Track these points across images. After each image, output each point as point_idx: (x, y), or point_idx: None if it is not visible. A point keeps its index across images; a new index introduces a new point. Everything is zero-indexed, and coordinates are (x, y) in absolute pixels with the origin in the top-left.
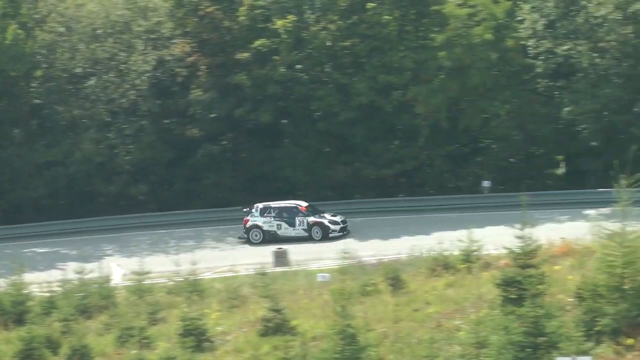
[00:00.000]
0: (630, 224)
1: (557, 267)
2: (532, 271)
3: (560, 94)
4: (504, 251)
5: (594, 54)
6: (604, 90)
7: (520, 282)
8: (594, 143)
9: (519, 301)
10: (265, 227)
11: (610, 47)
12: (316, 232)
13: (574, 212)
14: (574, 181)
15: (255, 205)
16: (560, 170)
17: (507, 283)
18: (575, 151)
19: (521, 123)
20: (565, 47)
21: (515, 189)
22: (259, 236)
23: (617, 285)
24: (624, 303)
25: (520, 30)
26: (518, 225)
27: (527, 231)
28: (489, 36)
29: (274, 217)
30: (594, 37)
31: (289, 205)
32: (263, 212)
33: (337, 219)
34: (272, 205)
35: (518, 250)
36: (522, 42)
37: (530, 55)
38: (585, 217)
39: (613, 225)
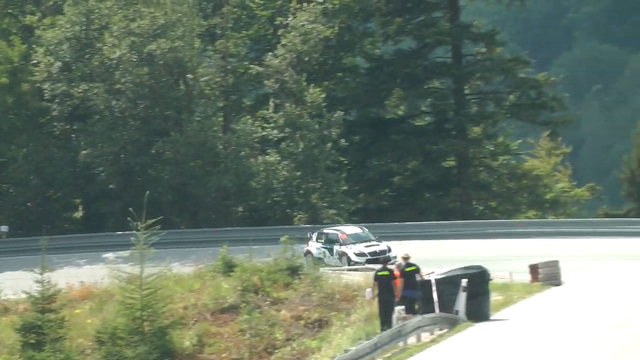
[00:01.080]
0: (147, 266)
1: (77, 311)
2: (51, 316)
3: (77, 137)
4: (23, 296)
5: (110, 96)
6: (121, 132)
7: (40, 326)
8: (111, 186)
9: (39, 346)
10: (315, 254)
11: (126, 88)
12: (344, 262)
13: (93, 255)
14: (92, 224)
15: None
16: (79, 214)
17: (26, 328)
18: (94, 194)
19: (38, 167)
20: (81, 90)
21: (34, 233)
22: (308, 264)
23: (136, 328)
24: (144, 346)
25: (36, 73)
26: (37, 270)
27: (47, 275)
28: (4, 80)
29: (322, 243)
30: (110, 79)
31: (333, 231)
32: (318, 237)
33: (366, 250)
34: (324, 231)
35: (37, 295)
36: (37, 85)
37: (46, 98)
38: (104, 261)
39: (131, 269)
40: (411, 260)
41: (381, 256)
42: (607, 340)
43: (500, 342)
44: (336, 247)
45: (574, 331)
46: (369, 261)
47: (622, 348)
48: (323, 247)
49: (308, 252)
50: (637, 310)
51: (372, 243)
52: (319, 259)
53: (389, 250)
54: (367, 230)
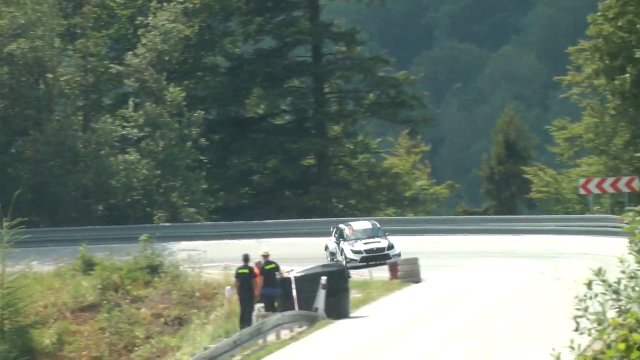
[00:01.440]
0: (8, 265)
1: None
2: None
3: None
4: None
5: None
6: None
7: None
8: None
9: None
10: (331, 249)
11: None
12: (343, 259)
13: None
14: None
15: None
16: None
17: None
18: None
19: None
20: None
21: None
22: (327, 259)
23: None
24: (4, 344)
25: None
26: None
27: None
28: None
29: (336, 238)
30: None
31: (344, 226)
32: (335, 232)
33: (364, 247)
34: (339, 225)
35: None
36: None
37: None
38: None
39: None
40: (271, 258)
41: (378, 254)
42: (464, 336)
43: (358, 339)
44: (341, 243)
45: (433, 327)
46: (365, 259)
47: (481, 343)
48: (335, 242)
49: (327, 247)
50: (493, 308)
51: (374, 240)
52: (333, 254)
53: (390, 247)
54: (378, 225)
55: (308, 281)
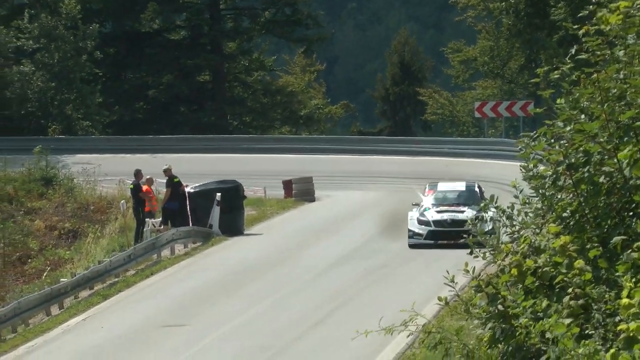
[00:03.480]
0: None
1: None
2: None
3: None
4: None
5: None
6: None
7: None
8: None
9: None
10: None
11: None
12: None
13: None
14: None
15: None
16: None
17: None
18: None
19: None
20: None
21: None
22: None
23: None
24: None
25: None
26: None
27: None
28: None
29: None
30: None
31: (433, 183)
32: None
33: (434, 216)
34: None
35: None
36: None
37: None
38: None
39: None
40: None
41: (453, 229)
42: (355, 256)
43: (251, 256)
44: (414, 209)
45: (324, 246)
46: (433, 235)
47: (374, 264)
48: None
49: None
50: (385, 228)
51: (458, 209)
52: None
53: (478, 221)
54: (477, 189)
55: (203, 197)
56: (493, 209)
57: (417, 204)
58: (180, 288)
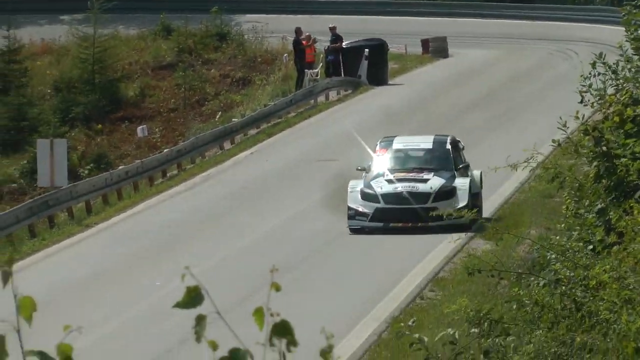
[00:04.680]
0: (99, 28)
1: (38, 63)
2: (16, 66)
3: None
4: None
5: None
6: None
7: (6, 75)
8: None
9: (5, 91)
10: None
11: None
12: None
13: (52, 17)
14: None
15: None
16: None
17: None
18: None
19: None
20: None
21: None
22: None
23: (89, 79)
24: (95, 94)
25: None
26: (4, 27)
27: (12, 32)
28: None
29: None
30: None
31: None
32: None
33: (384, 188)
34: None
35: (4, 48)
36: None
37: None
38: (62, 22)
39: (87, 29)
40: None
41: (408, 206)
42: (483, 104)
43: (393, 102)
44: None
45: (457, 95)
46: (381, 214)
47: (499, 109)
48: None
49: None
50: (509, 80)
51: (418, 176)
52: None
53: (444, 193)
54: (448, 145)
55: (353, 52)
56: (461, 179)
57: (364, 169)
58: (332, 129)
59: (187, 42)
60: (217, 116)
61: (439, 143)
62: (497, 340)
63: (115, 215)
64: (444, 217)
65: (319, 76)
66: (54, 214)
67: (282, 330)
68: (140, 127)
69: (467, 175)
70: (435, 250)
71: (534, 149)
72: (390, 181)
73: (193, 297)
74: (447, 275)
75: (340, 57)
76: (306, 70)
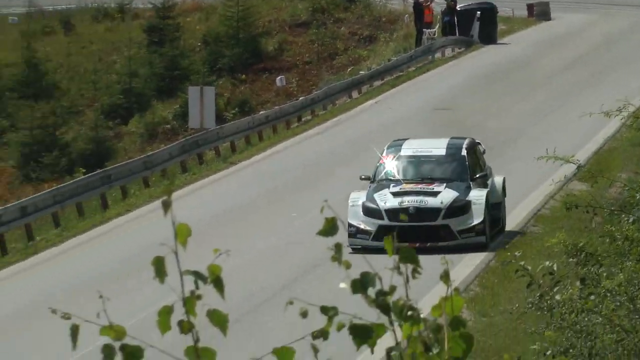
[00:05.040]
0: None
1: (189, 19)
2: (170, 21)
3: None
4: (150, 5)
5: None
6: None
7: (161, 28)
8: None
9: (160, 44)
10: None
11: None
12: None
13: None
14: None
15: None
16: None
17: (151, 29)
18: None
19: None
20: None
21: None
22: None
23: (233, 34)
24: (239, 48)
25: None
26: None
27: None
28: None
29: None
30: None
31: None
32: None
33: (391, 202)
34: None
35: (159, 5)
36: None
37: None
38: None
39: None
40: None
41: (416, 224)
42: (583, 62)
43: (501, 59)
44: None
45: (559, 54)
46: (381, 231)
47: (594, 69)
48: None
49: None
50: (606, 43)
51: (427, 188)
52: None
53: (455, 209)
54: (466, 151)
55: (466, 14)
56: (477, 191)
57: (368, 178)
58: (448, 82)
59: (320, 3)
60: (348, 70)
61: (453, 148)
62: (591, 269)
63: (257, 154)
64: (454, 234)
65: (436, 35)
66: (202, 152)
67: (409, 257)
68: (279, 77)
69: (485, 186)
70: (537, 190)
71: (626, 100)
72: (395, 194)
73: (331, 227)
74: (547, 213)
75: (455, 19)
76: (424, 30)
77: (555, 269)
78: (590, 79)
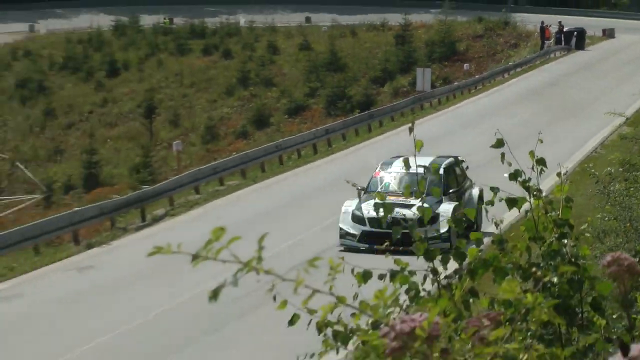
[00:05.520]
0: (442, 14)
1: (419, 31)
2: (407, 32)
3: None
4: (397, 23)
5: None
6: None
7: (403, 36)
8: None
9: (402, 44)
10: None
11: None
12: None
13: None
14: None
15: None
16: None
17: (398, 37)
18: None
19: None
20: None
21: None
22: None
23: (441, 40)
24: (444, 48)
25: None
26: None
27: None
28: None
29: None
30: None
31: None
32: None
33: (371, 213)
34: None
35: (402, 23)
36: None
37: None
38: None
39: (440, 15)
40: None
41: (389, 231)
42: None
43: (588, 57)
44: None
45: (627, 74)
46: (366, 236)
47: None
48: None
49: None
50: None
51: (405, 201)
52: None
53: (432, 220)
54: (445, 170)
55: (568, 33)
56: (447, 205)
57: (363, 189)
58: (558, 67)
59: (489, 25)
60: (502, 61)
61: (434, 167)
62: (632, 173)
63: (458, 103)
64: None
65: (551, 44)
66: (423, 104)
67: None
68: (465, 64)
69: (458, 199)
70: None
71: None
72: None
73: (499, 142)
74: (608, 143)
75: (562, 36)
76: (545, 41)
77: (612, 172)
78: (637, 70)
